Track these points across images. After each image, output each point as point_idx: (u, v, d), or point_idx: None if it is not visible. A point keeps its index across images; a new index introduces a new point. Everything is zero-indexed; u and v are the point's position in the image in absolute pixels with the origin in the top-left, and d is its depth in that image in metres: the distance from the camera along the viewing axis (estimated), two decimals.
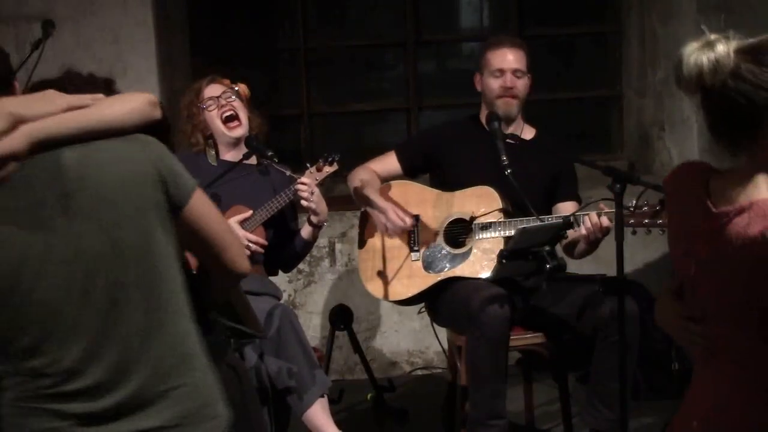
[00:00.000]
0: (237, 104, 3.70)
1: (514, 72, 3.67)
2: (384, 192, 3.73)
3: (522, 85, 3.70)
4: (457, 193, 3.66)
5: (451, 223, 3.64)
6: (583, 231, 3.36)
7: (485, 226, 3.54)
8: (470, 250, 3.59)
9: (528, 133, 3.80)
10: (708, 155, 1.97)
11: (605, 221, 3.34)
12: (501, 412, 3.41)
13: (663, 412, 3.93)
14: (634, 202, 3.22)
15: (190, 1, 5.17)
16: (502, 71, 3.67)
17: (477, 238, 3.57)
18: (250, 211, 3.60)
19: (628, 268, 3.34)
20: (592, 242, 3.40)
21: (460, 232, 3.63)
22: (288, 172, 3.63)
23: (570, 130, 5.45)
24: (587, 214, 3.36)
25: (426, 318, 3.89)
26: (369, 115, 5.54)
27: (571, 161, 3.76)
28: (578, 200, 3.72)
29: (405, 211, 3.62)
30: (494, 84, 3.68)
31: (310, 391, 3.35)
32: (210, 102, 3.69)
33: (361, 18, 5.59)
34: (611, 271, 3.12)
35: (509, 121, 3.72)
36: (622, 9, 5.37)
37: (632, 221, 3.24)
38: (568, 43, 5.52)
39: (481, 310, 3.34)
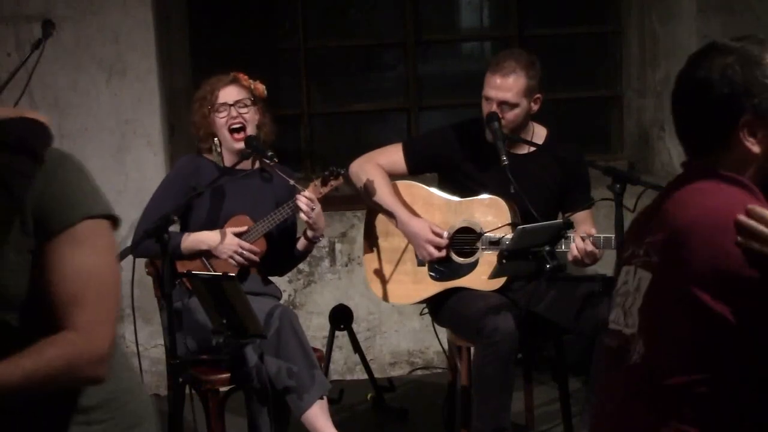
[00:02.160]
0: (248, 116, 3.62)
1: (501, 104, 3.52)
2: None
3: (512, 116, 3.52)
4: (466, 201, 3.63)
5: (458, 231, 3.63)
6: (570, 258, 3.35)
7: (494, 241, 3.52)
8: (477, 261, 3.58)
9: (538, 136, 3.68)
10: None
11: (589, 246, 3.32)
12: (506, 424, 3.42)
13: None
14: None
15: (190, 1, 5.17)
16: (489, 100, 3.56)
17: (485, 251, 3.56)
18: (251, 224, 3.59)
19: None
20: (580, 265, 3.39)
21: (467, 241, 3.62)
22: (292, 181, 3.57)
23: (570, 130, 5.44)
24: (573, 241, 3.32)
25: (426, 318, 3.89)
26: (369, 115, 5.54)
27: (583, 166, 3.68)
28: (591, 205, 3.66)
29: (438, 237, 3.58)
30: (484, 109, 3.59)
31: (309, 392, 3.34)
32: (222, 108, 3.61)
33: (361, 18, 5.59)
34: (611, 271, 3.11)
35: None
36: (622, 9, 5.37)
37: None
38: (568, 43, 5.52)
39: (491, 326, 3.34)
